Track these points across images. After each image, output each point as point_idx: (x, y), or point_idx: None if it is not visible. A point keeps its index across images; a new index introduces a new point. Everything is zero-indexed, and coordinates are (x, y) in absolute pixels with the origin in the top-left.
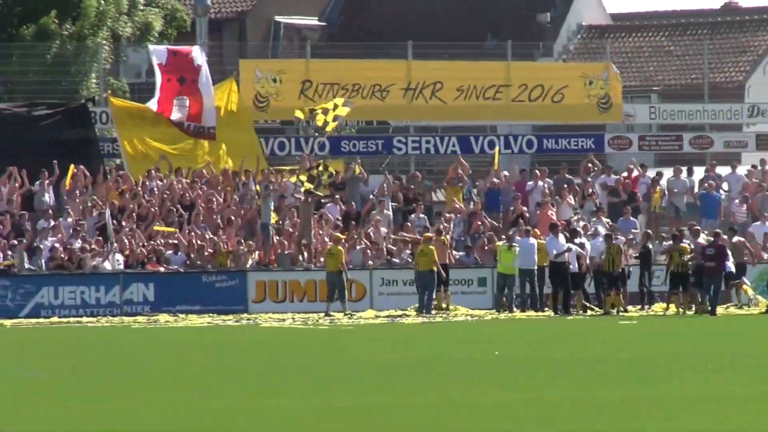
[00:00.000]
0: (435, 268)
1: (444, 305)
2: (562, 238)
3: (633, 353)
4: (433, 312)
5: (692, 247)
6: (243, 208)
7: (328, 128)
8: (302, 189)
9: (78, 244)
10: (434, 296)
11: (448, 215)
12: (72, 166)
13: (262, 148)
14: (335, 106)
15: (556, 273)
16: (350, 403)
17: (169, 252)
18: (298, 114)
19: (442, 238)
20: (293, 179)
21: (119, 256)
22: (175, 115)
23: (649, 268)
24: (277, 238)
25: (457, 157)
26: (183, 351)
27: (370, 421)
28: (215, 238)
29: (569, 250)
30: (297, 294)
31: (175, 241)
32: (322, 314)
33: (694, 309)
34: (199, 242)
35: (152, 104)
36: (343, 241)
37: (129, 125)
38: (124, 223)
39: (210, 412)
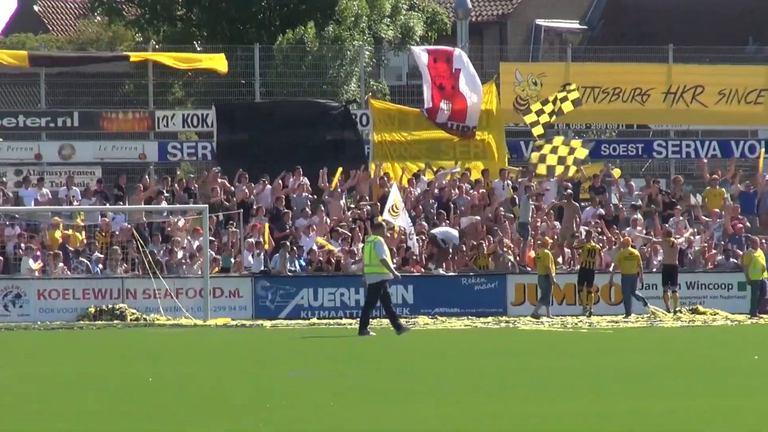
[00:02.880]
0: (638, 272)
1: (673, 306)
2: None
3: None
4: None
5: None
6: (498, 209)
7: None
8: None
9: (337, 245)
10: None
11: (706, 219)
12: (340, 168)
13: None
14: (564, 98)
15: None
16: (627, 409)
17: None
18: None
19: (671, 239)
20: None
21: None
22: (440, 118)
23: None
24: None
25: (720, 160)
26: (444, 354)
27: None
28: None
29: None
30: (556, 297)
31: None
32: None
33: None
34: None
35: (426, 102)
36: (551, 244)
37: (388, 127)
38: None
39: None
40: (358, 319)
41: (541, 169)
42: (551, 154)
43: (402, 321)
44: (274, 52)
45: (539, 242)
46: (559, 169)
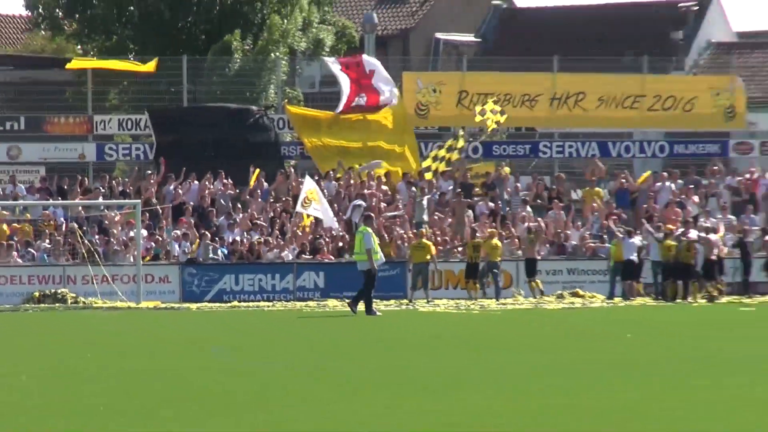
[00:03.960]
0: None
1: (538, 291)
2: (693, 233)
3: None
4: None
5: None
6: (399, 207)
7: (493, 135)
8: (432, 170)
9: (256, 236)
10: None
11: (586, 213)
12: (258, 170)
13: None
14: (494, 111)
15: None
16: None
17: None
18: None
19: (530, 236)
20: (426, 163)
21: (293, 247)
22: (354, 110)
23: (745, 258)
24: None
25: (593, 160)
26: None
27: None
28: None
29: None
30: (451, 282)
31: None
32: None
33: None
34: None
35: (340, 107)
36: (429, 235)
37: (305, 131)
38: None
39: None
40: (363, 303)
41: (428, 176)
42: (434, 162)
43: (373, 306)
44: (204, 62)
45: (419, 234)
46: (442, 167)
